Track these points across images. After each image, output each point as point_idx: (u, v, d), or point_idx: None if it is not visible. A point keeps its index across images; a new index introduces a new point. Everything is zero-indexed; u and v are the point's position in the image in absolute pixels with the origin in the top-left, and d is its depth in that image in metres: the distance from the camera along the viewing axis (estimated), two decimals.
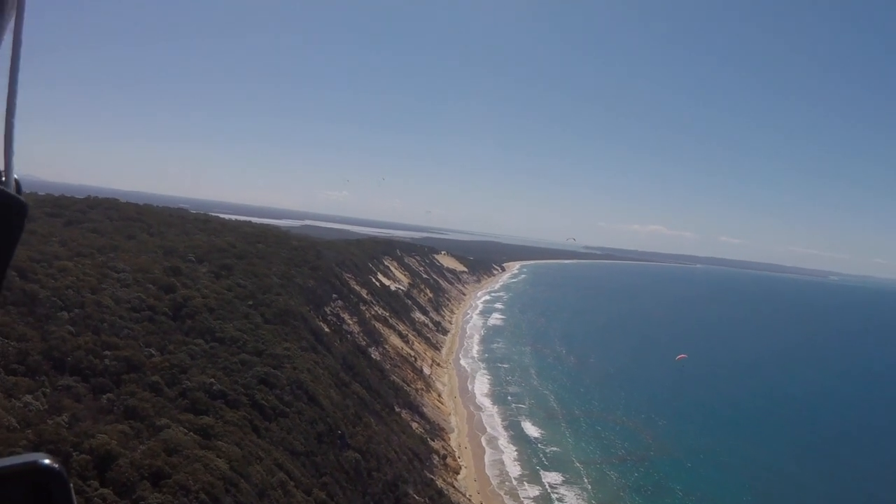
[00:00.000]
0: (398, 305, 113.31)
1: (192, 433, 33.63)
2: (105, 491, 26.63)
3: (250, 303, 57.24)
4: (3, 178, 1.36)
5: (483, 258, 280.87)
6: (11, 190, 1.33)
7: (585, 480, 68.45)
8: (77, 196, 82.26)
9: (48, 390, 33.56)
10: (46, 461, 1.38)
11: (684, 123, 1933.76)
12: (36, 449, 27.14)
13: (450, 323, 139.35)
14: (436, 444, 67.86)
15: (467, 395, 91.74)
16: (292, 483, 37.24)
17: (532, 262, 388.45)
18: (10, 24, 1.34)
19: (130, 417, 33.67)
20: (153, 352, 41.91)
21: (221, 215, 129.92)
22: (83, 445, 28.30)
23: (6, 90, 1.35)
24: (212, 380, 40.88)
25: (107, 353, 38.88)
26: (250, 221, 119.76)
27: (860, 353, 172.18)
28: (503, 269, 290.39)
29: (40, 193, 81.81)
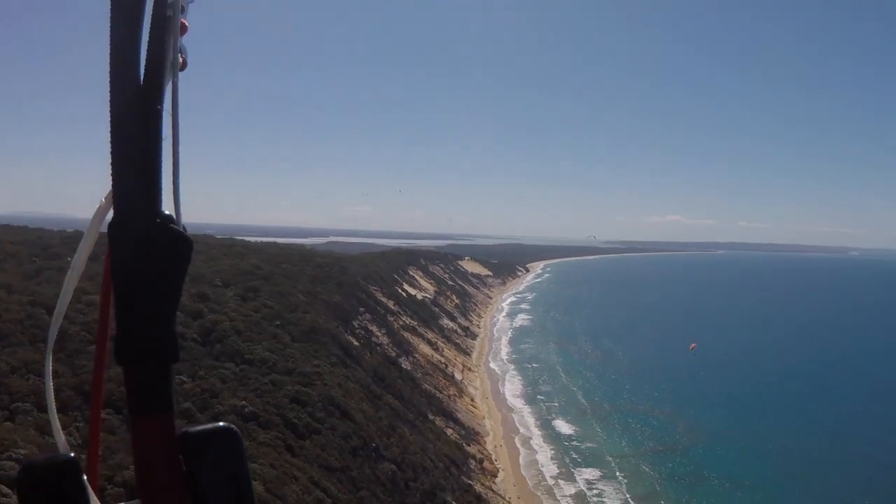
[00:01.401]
0: (426, 314, 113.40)
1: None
2: None
3: (278, 323, 57.61)
4: (178, 220, 1.60)
5: (507, 261, 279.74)
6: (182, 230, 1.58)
7: (620, 475, 67.63)
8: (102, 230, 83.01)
9: (81, 425, 33.93)
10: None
11: (693, 111, 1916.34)
12: None
13: (478, 327, 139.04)
14: (472, 449, 67.74)
15: (499, 398, 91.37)
16: (329, 500, 37.35)
17: (555, 260, 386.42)
18: (171, 79, 1.63)
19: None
20: (184, 378, 42.30)
21: (247, 238, 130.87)
22: (116, 479, 28.62)
23: (171, 145, 1.61)
24: (243, 402, 41.23)
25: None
26: (275, 242, 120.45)
27: (883, 328, 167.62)
28: (527, 270, 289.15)
29: (68, 230, 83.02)
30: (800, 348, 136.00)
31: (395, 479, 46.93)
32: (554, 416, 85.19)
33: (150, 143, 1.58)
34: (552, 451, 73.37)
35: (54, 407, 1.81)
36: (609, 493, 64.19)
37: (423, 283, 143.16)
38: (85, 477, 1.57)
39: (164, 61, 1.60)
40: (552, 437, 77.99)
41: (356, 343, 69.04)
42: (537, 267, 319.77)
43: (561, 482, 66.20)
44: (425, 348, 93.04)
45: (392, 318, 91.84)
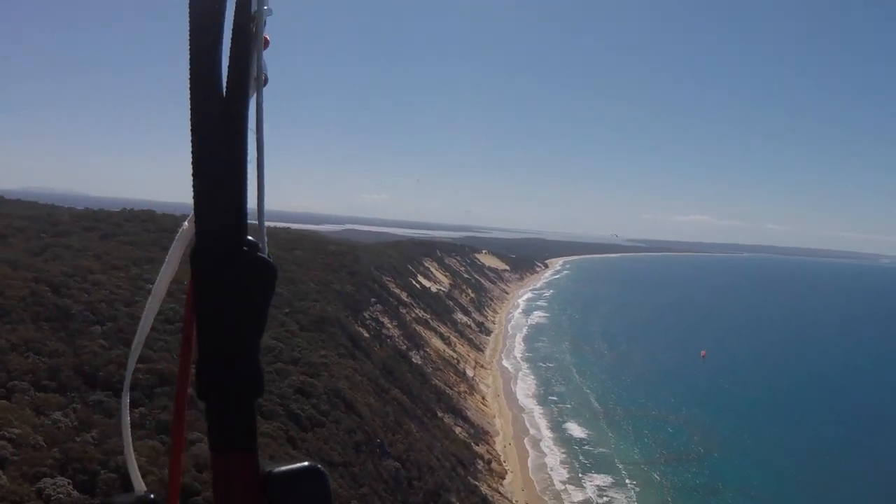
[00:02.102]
0: (439, 307, 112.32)
1: None
2: None
3: (286, 310, 56.63)
4: (263, 248, 1.56)
5: (525, 255, 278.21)
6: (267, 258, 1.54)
7: (631, 483, 66.53)
8: (114, 209, 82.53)
9: (79, 406, 33.07)
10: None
11: (726, 111, 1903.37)
12: (61, 467, 26.69)
13: (493, 323, 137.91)
14: (480, 449, 66.60)
15: (511, 397, 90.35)
16: None
17: (576, 257, 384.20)
18: (254, 101, 1.55)
19: (162, 432, 32.94)
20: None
21: None
22: (110, 463, 27.62)
23: (255, 170, 1.55)
24: None
25: (139, 366, 38.18)
26: (289, 228, 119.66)
27: None
28: (546, 266, 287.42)
29: (79, 208, 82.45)
30: (821, 355, 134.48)
31: (399, 477, 45.88)
32: (566, 418, 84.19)
33: (236, 165, 1.51)
34: (562, 455, 72.37)
35: (131, 447, 1.76)
36: (619, 501, 63.05)
37: (439, 275, 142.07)
38: None
39: (248, 77, 1.55)
40: (563, 439, 76.99)
41: (366, 334, 68.03)
42: (556, 263, 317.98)
43: (570, 487, 65.12)
44: (437, 343, 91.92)
45: (404, 311, 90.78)
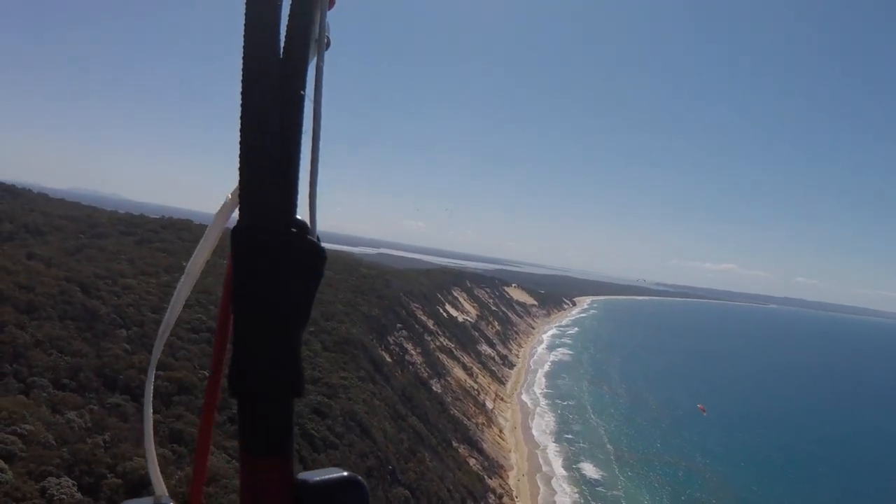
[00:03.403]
0: (465, 337, 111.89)
1: (234, 461, 32.70)
2: None
3: (311, 329, 56.60)
4: (313, 230, 1.42)
5: (554, 292, 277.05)
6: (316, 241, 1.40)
7: None
8: (154, 215, 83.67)
9: (95, 407, 33.17)
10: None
11: (761, 160, 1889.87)
12: (69, 468, 26.71)
13: (516, 356, 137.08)
14: (493, 482, 65.81)
15: (528, 432, 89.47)
16: None
17: (603, 297, 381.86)
18: (311, 92, 1.41)
19: (174, 441, 32.98)
20: (207, 374, 41.30)
21: None
22: (118, 468, 27.57)
23: (310, 153, 1.40)
24: None
25: (159, 373, 38.32)
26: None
27: None
28: (573, 304, 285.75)
29: (120, 212, 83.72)
30: (840, 414, 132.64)
31: None
32: (580, 457, 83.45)
33: (289, 134, 1.37)
34: (574, 495, 71.40)
35: (153, 442, 1.62)
36: None
37: (466, 305, 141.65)
38: None
39: (309, 37, 1.41)
40: (575, 479, 76.28)
41: (388, 359, 67.83)
42: (584, 302, 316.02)
43: None
44: (459, 372, 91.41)
45: (429, 338, 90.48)
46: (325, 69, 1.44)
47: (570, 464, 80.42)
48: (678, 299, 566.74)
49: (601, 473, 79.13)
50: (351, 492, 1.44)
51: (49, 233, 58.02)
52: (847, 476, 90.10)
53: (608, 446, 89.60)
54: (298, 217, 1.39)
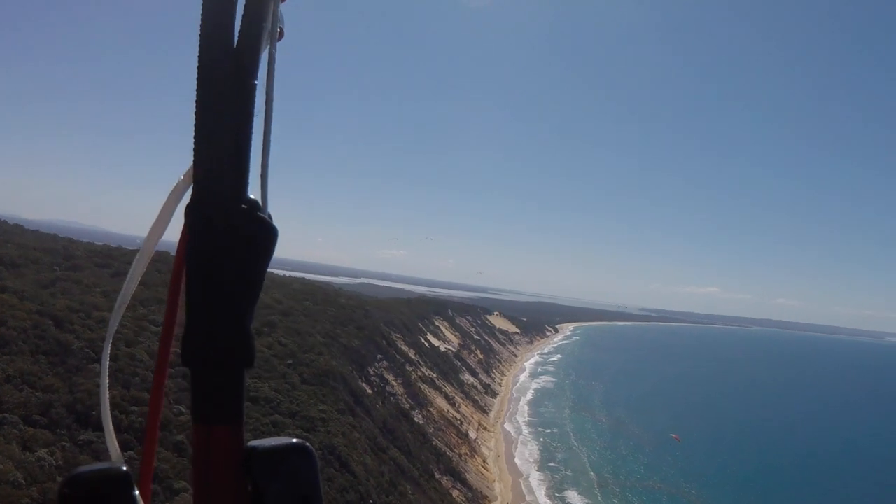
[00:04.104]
0: (447, 367, 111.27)
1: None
2: None
3: (290, 362, 56.02)
4: (264, 207, 1.47)
5: (536, 319, 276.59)
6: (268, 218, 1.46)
7: None
8: (131, 247, 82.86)
9: (67, 444, 32.53)
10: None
11: (738, 184, 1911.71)
12: None
13: (499, 385, 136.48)
14: None
15: (512, 461, 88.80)
16: None
17: (586, 323, 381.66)
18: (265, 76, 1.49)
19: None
20: (182, 409, 40.69)
21: (276, 271, 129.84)
22: None
23: (262, 122, 1.47)
24: None
25: (134, 408, 37.73)
26: (304, 278, 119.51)
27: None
28: (556, 331, 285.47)
29: (97, 243, 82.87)
30: (819, 433, 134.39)
31: None
32: (564, 485, 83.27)
33: (242, 116, 1.43)
34: None
35: (108, 410, 1.63)
36: None
37: (448, 334, 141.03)
38: (137, 493, 1.45)
39: (262, 29, 1.47)
40: None
41: (369, 391, 67.17)
42: (567, 329, 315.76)
43: None
44: (441, 402, 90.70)
45: (411, 368, 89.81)
46: (279, 58, 1.49)
47: (554, 492, 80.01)
48: (661, 324, 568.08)
49: (585, 501, 78.95)
50: (300, 457, 1.49)
51: (23, 265, 57.16)
52: (821, 492, 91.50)
53: (591, 474, 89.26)
54: (251, 196, 1.43)
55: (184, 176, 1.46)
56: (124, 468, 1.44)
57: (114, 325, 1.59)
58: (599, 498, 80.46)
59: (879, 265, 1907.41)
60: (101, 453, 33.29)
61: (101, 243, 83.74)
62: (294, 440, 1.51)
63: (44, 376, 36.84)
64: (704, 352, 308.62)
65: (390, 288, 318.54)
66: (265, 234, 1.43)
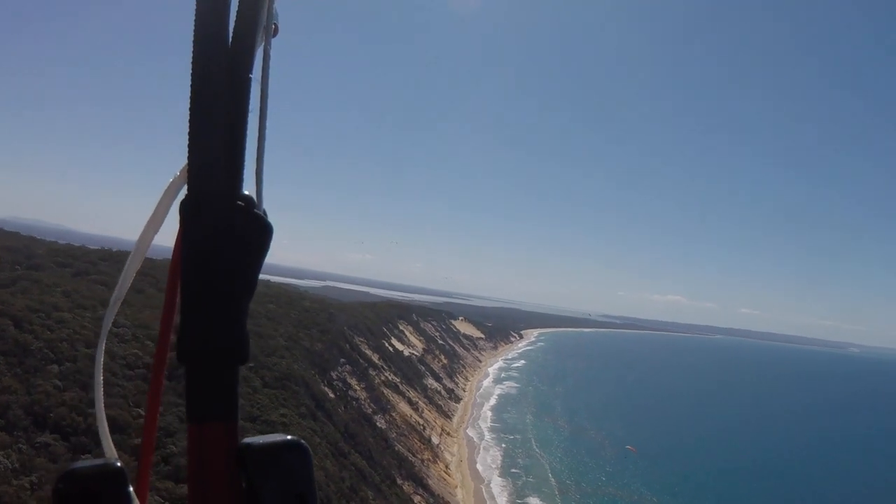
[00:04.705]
0: (410, 371, 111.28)
1: (167, 503, 31.90)
2: None
3: (251, 365, 55.68)
4: (259, 204, 1.48)
5: (501, 325, 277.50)
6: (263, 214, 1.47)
7: None
8: (93, 247, 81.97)
9: (23, 447, 32.18)
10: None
11: (704, 195, 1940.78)
12: None
13: (463, 390, 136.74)
14: None
15: (474, 467, 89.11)
16: None
17: (551, 329, 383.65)
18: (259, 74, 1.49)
19: None
20: (141, 412, 40.37)
21: None
22: None
23: (257, 130, 1.47)
24: None
25: (91, 411, 37.20)
26: (268, 280, 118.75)
27: (860, 422, 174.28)
28: (521, 337, 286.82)
29: (61, 242, 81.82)
30: (777, 439, 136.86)
31: None
32: (525, 491, 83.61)
33: (236, 113, 1.45)
34: None
35: (102, 407, 1.65)
36: None
37: (413, 339, 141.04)
38: (132, 489, 1.47)
39: (257, 24, 1.47)
40: None
41: (331, 395, 67.02)
42: (532, 334, 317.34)
43: None
44: (405, 407, 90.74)
45: (374, 373, 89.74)
46: (275, 54, 1.50)
47: (516, 498, 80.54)
48: (625, 331, 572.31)
49: None
50: (295, 454, 1.50)
51: None
52: (779, 494, 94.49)
53: (552, 480, 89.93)
54: (245, 192, 1.45)
55: (179, 173, 1.48)
56: (119, 464, 1.47)
57: (108, 322, 1.62)
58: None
59: (843, 278, 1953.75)
60: (58, 457, 33.01)
61: (63, 242, 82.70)
62: (289, 437, 1.53)
63: (1, 377, 36.39)
64: (667, 360, 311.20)
65: (356, 291, 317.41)
66: (260, 232, 1.45)
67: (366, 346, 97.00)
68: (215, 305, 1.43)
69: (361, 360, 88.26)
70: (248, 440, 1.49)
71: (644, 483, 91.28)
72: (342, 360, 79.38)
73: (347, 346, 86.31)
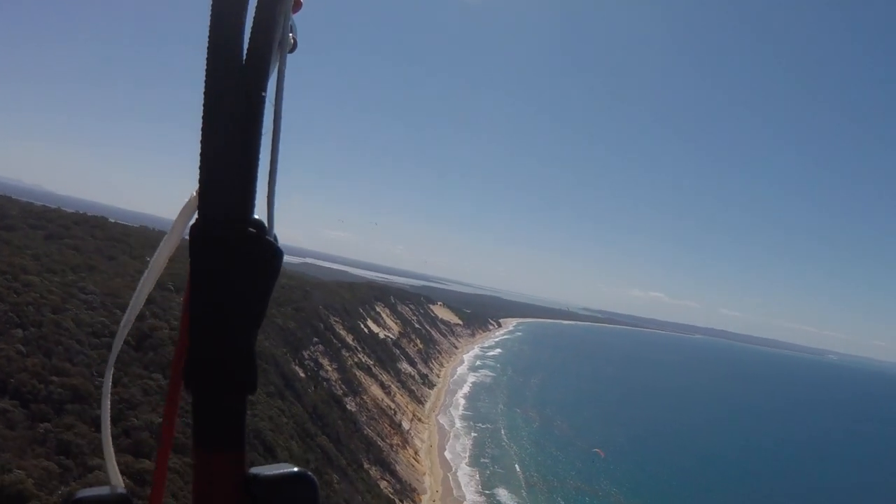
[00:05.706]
0: (384, 354, 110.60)
1: (125, 477, 30.92)
2: None
3: None
4: (270, 230, 1.45)
5: (480, 312, 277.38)
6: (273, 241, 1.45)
7: None
8: (69, 210, 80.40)
9: None
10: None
11: (687, 195, 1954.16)
12: None
13: (437, 376, 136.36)
14: None
15: (444, 454, 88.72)
16: None
17: (530, 319, 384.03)
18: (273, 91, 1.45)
19: (62, 453, 31.17)
20: (101, 381, 39.43)
21: None
22: (3, 479, 25.77)
23: (269, 152, 1.44)
24: (161, 419, 38.43)
25: (53, 378, 36.42)
26: None
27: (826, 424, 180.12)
28: (499, 325, 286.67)
29: (36, 204, 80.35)
30: (737, 437, 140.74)
31: None
32: (493, 481, 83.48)
33: (250, 135, 1.40)
34: None
35: (109, 434, 1.65)
36: None
37: (389, 321, 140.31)
38: None
39: (273, 40, 1.42)
40: None
41: (302, 374, 66.24)
42: (510, 323, 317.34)
43: None
44: (376, 390, 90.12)
45: (347, 354, 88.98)
46: (290, 72, 1.47)
47: (483, 489, 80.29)
48: (605, 325, 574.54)
49: (513, 498, 79.54)
50: (302, 486, 1.48)
51: None
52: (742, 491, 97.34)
53: (519, 472, 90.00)
54: (256, 217, 1.41)
55: (195, 193, 1.43)
56: (124, 492, 1.44)
57: (116, 348, 1.55)
58: (526, 496, 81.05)
59: (826, 286, 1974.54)
60: (16, 423, 32.06)
61: (39, 204, 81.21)
62: (296, 469, 1.50)
63: None
64: (644, 357, 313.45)
65: (335, 270, 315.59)
66: (271, 258, 1.42)
67: (340, 327, 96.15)
68: (225, 334, 1.40)
69: (335, 341, 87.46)
70: (255, 470, 1.47)
71: (612, 480, 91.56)
72: (315, 339, 78.51)
73: (321, 325, 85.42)
